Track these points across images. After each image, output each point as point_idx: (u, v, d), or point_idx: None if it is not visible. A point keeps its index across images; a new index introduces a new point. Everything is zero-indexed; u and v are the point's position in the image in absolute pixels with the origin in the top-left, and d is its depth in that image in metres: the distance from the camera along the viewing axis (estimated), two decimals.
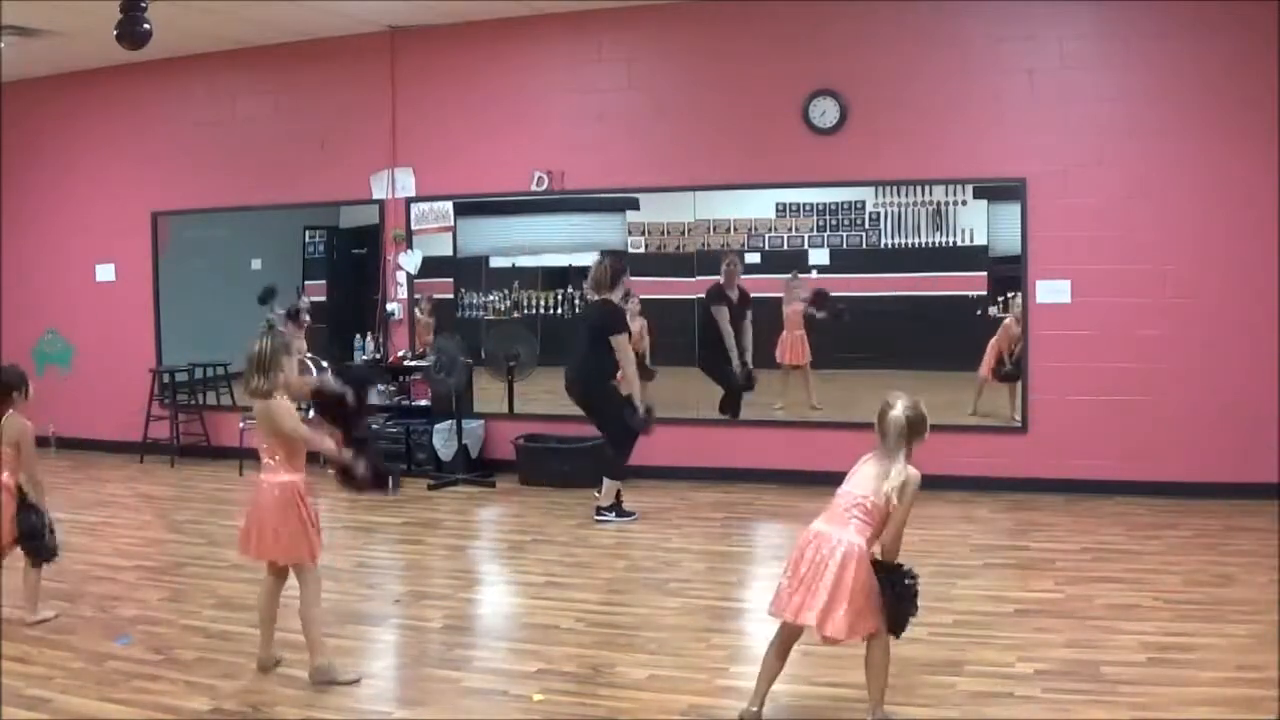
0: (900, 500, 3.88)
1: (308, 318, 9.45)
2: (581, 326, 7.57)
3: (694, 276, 8.52)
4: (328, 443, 4.58)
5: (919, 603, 3.95)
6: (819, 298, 8.29)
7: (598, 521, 7.18)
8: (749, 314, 8.49)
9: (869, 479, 3.92)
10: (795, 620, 3.86)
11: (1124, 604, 5.22)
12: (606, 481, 7.29)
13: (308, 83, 9.34)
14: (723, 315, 8.46)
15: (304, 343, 9.48)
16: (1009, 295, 7.83)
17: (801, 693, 4.24)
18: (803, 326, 8.37)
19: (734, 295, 8.49)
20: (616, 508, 7.25)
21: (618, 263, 7.42)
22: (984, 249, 7.92)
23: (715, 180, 8.35)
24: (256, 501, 4.50)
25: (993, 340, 7.91)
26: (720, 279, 8.45)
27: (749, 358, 8.51)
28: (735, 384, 8.50)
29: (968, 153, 7.76)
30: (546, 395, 8.53)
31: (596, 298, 7.31)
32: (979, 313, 7.97)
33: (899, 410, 3.92)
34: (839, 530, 3.86)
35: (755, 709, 3.98)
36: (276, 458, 4.47)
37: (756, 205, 8.38)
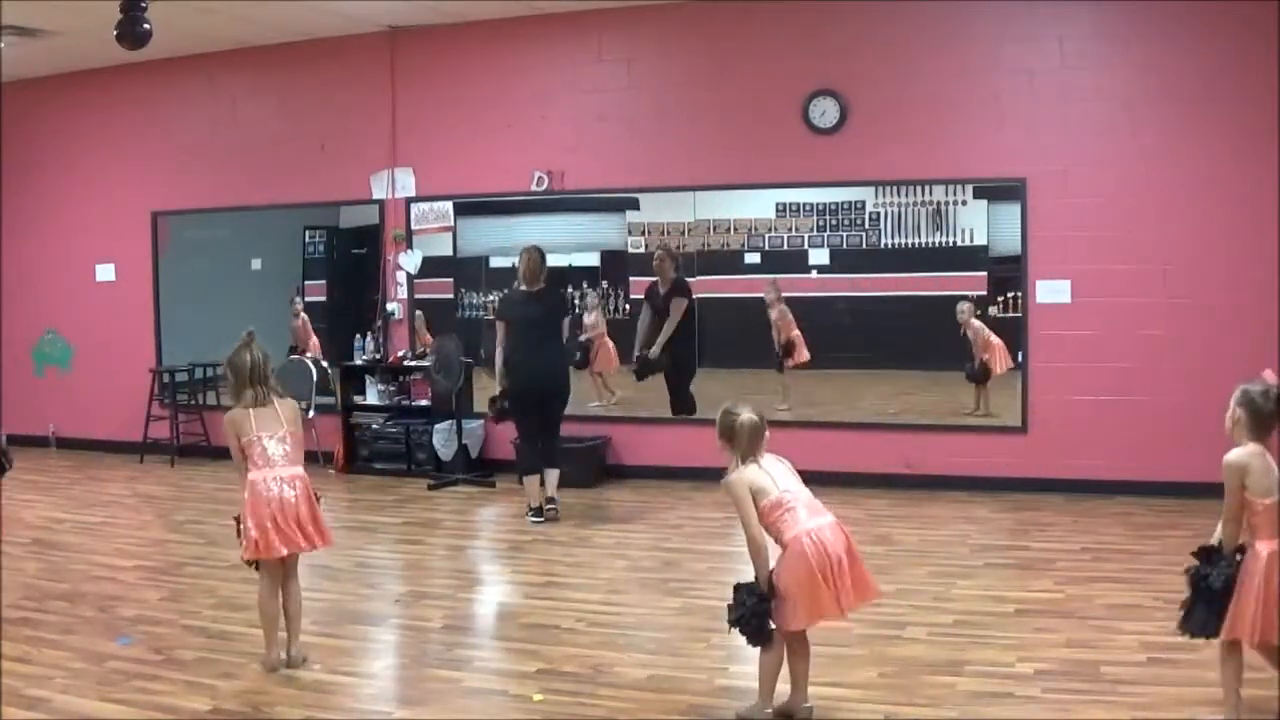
0: None
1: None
2: (535, 317, 7.31)
3: (694, 277, 8.52)
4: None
5: None
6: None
7: (551, 516, 7.26)
8: (686, 303, 8.44)
9: (789, 475, 3.98)
10: (840, 614, 3.89)
11: (1124, 604, 5.22)
12: (554, 472, 7.37)
13: (308, 83, 9.35)
14: (646, 311, 8.64)
15: (316, 339, 9.55)
16: (969, 297, 7.92)
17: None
18: (790, 331, 8.35)
19: (662, 290, 8.54)
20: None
21: (541, 251, 7.39)
22: (984, 249, 7.92)
23: (715, 180, 8.35)
24: (283, 498, 4.51)
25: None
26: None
27: (656, 349, 8.50)
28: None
29: (968, 153, 7.76)
30: None
31: (530, 289, 7.32)
32: (979, 313, 7.97)
33: (751, 414, 3.95)
34: (823, 515, 3.91)
35: (770, 710, 3.99)
36: (289, 451, 4.59)
37: (756, 205, 8.38)
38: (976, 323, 7.91)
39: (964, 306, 7.92)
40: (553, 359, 7.37)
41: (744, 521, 3.89)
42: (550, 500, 7.32)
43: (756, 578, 3.90)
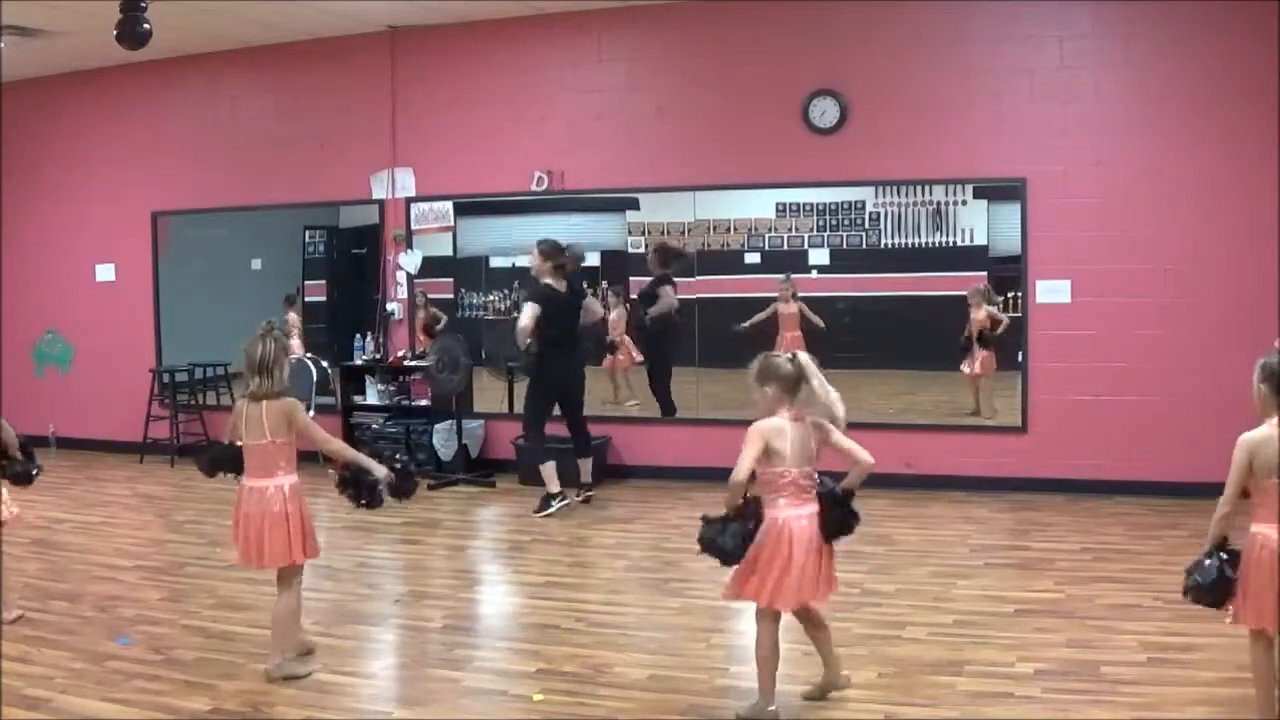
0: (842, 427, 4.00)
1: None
2: (575, 313, 7.72)
3: (694, 277, 8.53)
4: (335, 443, 4.70)
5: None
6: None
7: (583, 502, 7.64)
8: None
9: (805, 449, 3.95)
10: (804, 603, 3.94)
11: (1124, 604, 5.22)
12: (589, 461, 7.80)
13: (308, 83, 9.34)
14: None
15: (299, 342, 9.53)
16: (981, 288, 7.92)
17: (802, 692, 4.24)
18: (798, 328, 8.35)
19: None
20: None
21: (556, 243, 7.70)
22: (984, 249, 7.92)
23: (715, 180, 8.34)
24: (262, 509, 4.43)
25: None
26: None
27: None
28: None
29: (968, 153, 7.76)
30: None
31: (561, 283, 7.58)
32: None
33: (789, 364, 3.95)
34: (808, 506, 3.96)
35: (774, 708, 3.98)
36: (281, 460, 4.49)
37: (756, 205, 8.38)
38: (990, 306, 7.89)
39: (981, 287, 7.87)
40: (579, 362, 7.78)
41: (738, 463, 3.91)
42: (586, 485, 7.81)
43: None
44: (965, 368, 8.07)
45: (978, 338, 7.91)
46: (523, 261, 7.76)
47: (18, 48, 8.74)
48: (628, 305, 8.89)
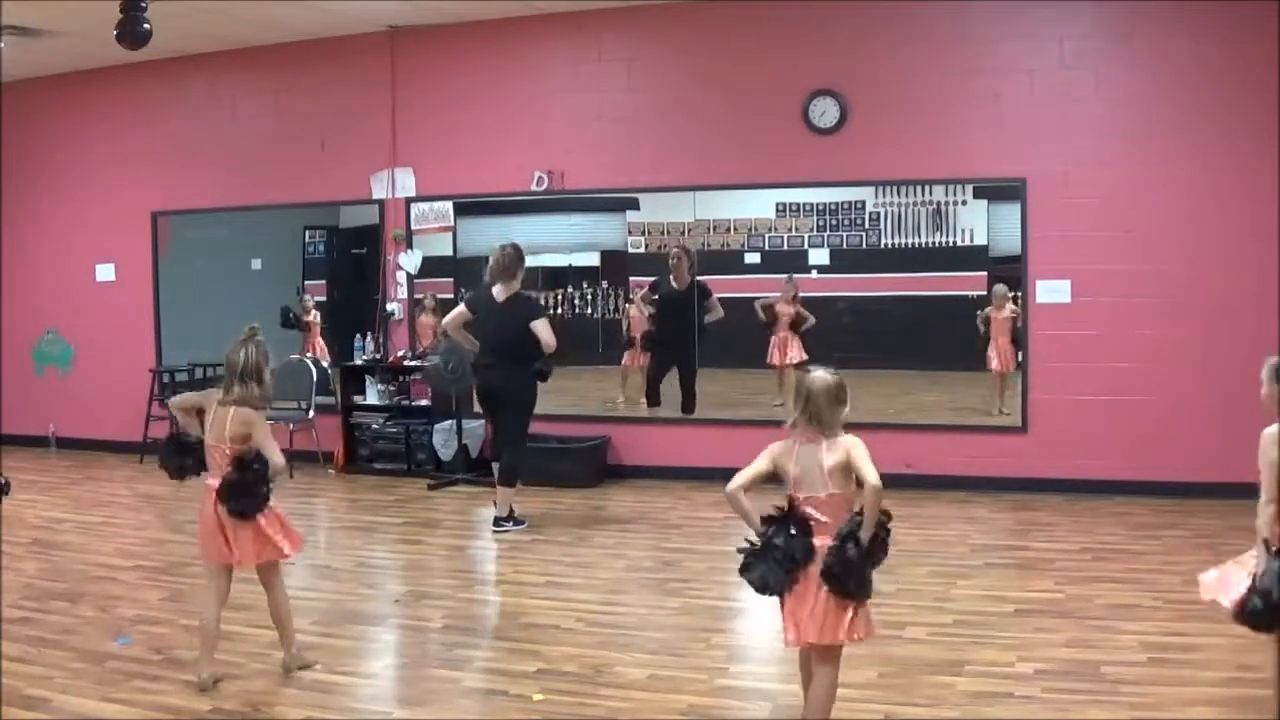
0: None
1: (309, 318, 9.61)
2: (502, 322, 6.97)
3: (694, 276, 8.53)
4: (279, 457, 4.49)
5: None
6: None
7: (496, 533, 7.01)
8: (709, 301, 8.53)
9: (819, 470, 3.64)
10: (822, 641, 3.61)
11: (1124, 604, 5.22)
12: (503, 489, 7.08)
13: (308, 83, 9.34)
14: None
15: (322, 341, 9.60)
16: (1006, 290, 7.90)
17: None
18: (789, 328, 8.38)
19: (678, 288, 8.58)
20: (512, 515, 7.09)
21: (519, 250, 7.08)
22: (984, 249, 7.93)
23: (715, 180, 8.35)
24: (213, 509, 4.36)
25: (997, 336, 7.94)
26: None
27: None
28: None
29: (968, 153, 7.76)
30: (545, 395, 8.50)
31: (505, 292, 6.99)
32: (979, 312, 7.99)
33: (813, 378, 3.68)
34: (822, 538, 3.62)
35: None
36: (227, 463, 4.39)
37: (756, 205, 8.39)
38: (1012, 305, 7.89)
39: (1005, 289, 7.85)
40: (506, 370, 6.99)
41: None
42: (495, 520, 7.10)
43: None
44: (994, 364, 8.00)
45: (1010, 336, 7.90)
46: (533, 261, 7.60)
47: (18, 48, 8.74)
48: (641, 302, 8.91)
